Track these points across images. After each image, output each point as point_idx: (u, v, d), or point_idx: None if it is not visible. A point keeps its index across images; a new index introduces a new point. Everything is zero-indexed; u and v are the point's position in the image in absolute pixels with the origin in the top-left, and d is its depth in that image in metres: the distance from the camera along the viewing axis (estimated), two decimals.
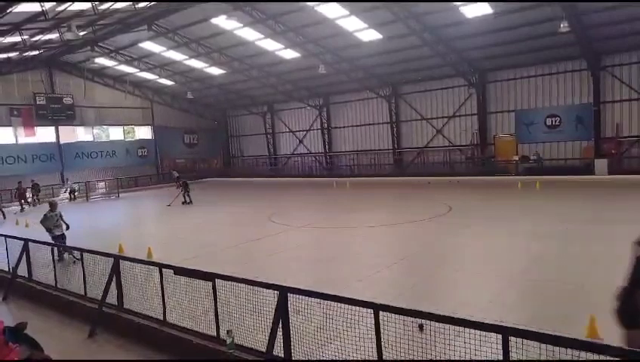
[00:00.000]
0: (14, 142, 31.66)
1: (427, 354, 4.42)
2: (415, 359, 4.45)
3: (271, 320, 5.24)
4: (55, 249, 9.61)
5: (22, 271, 9.86)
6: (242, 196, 27.57)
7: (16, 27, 20.62)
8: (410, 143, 33.09)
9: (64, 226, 11.61)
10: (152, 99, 39.09)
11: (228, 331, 5.70)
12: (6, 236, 10.81)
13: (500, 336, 3.69)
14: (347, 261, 10.80)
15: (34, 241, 9.91)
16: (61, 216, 11.62)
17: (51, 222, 11.35)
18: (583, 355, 3.34)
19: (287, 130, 40.38)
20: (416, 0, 19.92)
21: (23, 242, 9.97)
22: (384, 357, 4.49)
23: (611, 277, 8.54)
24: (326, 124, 37.34)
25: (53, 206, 11.59)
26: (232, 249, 12.84)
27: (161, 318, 6.73)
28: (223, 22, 23.00)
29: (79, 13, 20.59)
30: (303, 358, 5.17)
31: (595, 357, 3.28)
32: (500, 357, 3.69)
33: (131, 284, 7.51)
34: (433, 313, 4.17)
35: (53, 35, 23.80)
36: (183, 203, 23.09)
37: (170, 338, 6.38)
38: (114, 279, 7.43)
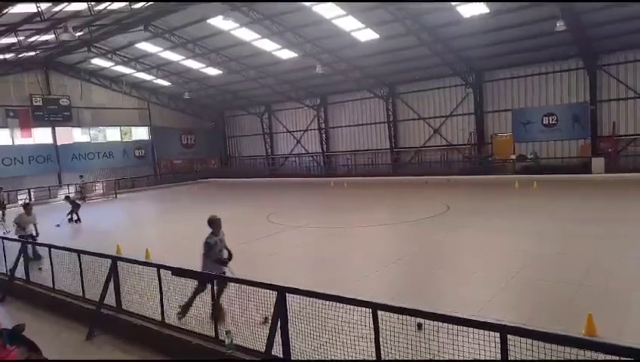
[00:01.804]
0: (11, 143, 31.55)
1: (426, 353, 4.42)
2: (414, 359, 4.46)
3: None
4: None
5: (19, 273, 9.84)
6: (240, 196, 27.54)
7: (12, 28, 20.55)
8: (407, 143, 33.11)
9: (225, 254, 7.59)
10: (149, 99, 39.00)
11: (227, 331, 5.70)
12: (3, 238, 10.79)
13: (498, 335, 3.70)
14: (345, 261, 10.80)
15: (31, 243, 9.88)
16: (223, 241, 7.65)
17: (215, 251, 7.34)
18: (581, 353, 3.35)
19: (285, 130, 40.35)
20: (413, 0, 19.92)
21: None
22: (383, 356, 4.49)
23: (609, 275, 8.61)
24: (323, 124, 37.33)
25: (214, 224, 7.50)
26: (231, 249, 12.80)
27: (160, 319, 6.72)
28: (219, 22, 22.95)
29: (75, 14, 20.54)
30: (302, 358, 5.18)
31: (594, 355, 3.29)
32: (499, 356, 3.69)
33: (129, 285, 7.50)
34: (432, 312, 4.18)
35: (50, 36, 23.72)
36: (69, 221, 19.44)
37: (169, 338, 6.37)
38: (112, 280, 7.42)
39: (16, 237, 11.57)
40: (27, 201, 11.40)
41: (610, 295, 7.35)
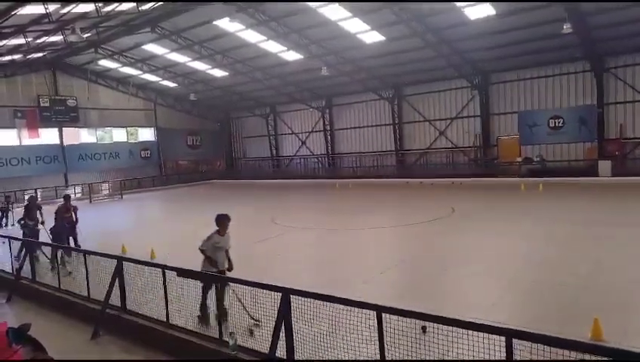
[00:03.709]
0: (18, 143, 31.75)
1: (430, 356, 4.41)
2: (418, 360, 4.45)
3: (274, 322, 5.25)
4: None
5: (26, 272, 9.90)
6: (245, 197, 27.57)
7: (20, 29, 20.71)
8: (412, 145, 33.06)
9: None
10: (155, 100, 39.17)
11: (231, 333, 5.70)
12: (10, 238, 10.86)
13: (503, 339, 3.68)
14: (351, 262, 10.78)
15: (37, 242, 9.94)
16: None
17: None
18: (587, 358, 3.33)
19: (290, 131, 40.40)
20: (419, 0, 19.89)
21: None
22: (387, 358, 4.49)
23: (614, 278, 8.55)
24: (329, 126, 37.34)
25: None
26: (236, 250, 12.79)
27: (165, 320, 6.74)
28: (226, 24, 23.03)
29: (83, 16, 20.66)
30: (306, 359, 5.17)
31: (599, 358, 3.27)
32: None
33: (134, 286, 7.52)
34: (436, 315, 4.16)
35: (57, 38, 23.86)
36: None
37: (173, 339, 6.38)
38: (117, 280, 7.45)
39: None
40: (222, 213, 7.53)
41: (615, 297, 7.29)
